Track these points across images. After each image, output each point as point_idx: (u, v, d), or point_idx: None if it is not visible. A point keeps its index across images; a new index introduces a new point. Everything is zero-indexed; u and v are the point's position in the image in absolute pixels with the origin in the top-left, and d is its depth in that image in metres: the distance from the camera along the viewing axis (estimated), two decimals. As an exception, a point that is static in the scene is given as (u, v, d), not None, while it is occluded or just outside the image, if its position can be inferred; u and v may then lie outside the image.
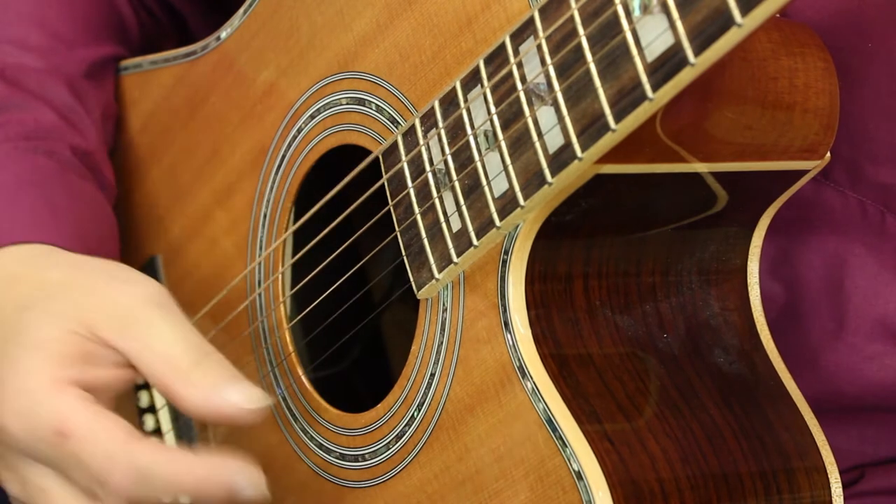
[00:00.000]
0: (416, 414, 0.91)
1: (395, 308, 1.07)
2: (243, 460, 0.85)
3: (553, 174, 0.80)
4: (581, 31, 0.77)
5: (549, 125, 0.80)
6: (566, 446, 0.82)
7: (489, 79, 0.83)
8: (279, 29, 1.01)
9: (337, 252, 0.96)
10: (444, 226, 0.87)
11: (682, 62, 0.72)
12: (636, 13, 0.74)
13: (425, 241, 0.88)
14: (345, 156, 0.97)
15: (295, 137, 1.00)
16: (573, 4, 0.77)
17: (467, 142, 0.85)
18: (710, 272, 0.92)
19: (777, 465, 0.88)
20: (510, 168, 0.82)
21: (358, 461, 0.96)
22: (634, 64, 0.74)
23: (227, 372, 0.87)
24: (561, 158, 0.79)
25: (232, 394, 0.85)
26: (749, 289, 0.93)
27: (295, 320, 1.02)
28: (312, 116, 0.98)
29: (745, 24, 0.69)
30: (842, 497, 0.89)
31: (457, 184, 0.86)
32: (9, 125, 1.07)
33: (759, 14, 0.69)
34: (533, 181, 0.81)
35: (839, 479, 0.89)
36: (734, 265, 0.93)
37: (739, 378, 0.91)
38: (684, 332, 0.90)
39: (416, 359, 0.91)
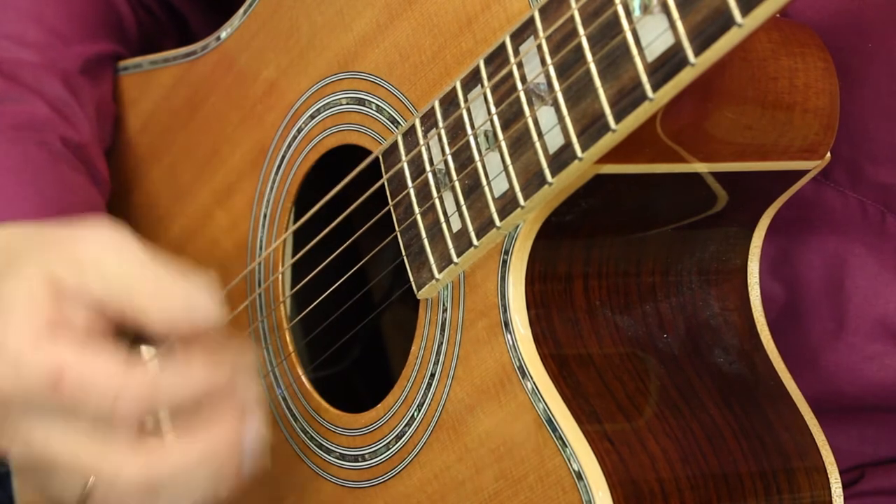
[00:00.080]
0: (416, 414, 0.91)
1: (395, 308, 1.07)
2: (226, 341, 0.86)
3: (553, 174, 0.80)
4: (581, 31, 0.77)
5: (550, 125, 0.80)
6: (566, 446, 0.82)
7: (489, 79, 0.83)
8: (279, 29, 1.00)
9: (337, 252, 0.96)
10: (444, 226, 0.87)
11: (683, 62, 0.72)
12: (636, 13, 0.74)
13: (425, 242, 0.88)
14: (345, 156, 0.97)
15: (295, 137, 1.00)
16: (573, 4, 0.77)
17: (467, 142, 0.85)
18: (710, 272, 0.92)
19: (777, 465, 0.88)
20: (510, 168, 0.82)
21: (358, 461, 0.96)
22: (634, 64, 0.74)
23: (186, 282, 0.86)
24: (561, 158, 0.79)
25: (198, 308, 0.85)
26: (749, 289, 0.93)
27: (295, 320, 1.02)
28: (312, 116, 0.98)
29: (745, 24, 0.69)
30: (842, 497, 0.89)
31: (457, 184, 0.86)
32: (2, 116, 1.08)
33: (760, 14, 0.69)
34: (533, 181, 0.81)
35: (839, 479, 0.89)
36: (734, 265, 0.93)
37: (739, 378, 0.91)
38: (684, 332, 0.90)
39: (415, 359, 0.91)
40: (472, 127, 0.84)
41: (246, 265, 1.05)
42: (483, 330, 0.86)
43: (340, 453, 0.97)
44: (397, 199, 0.90)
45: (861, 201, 0.95)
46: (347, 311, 1.01)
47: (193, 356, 0.85)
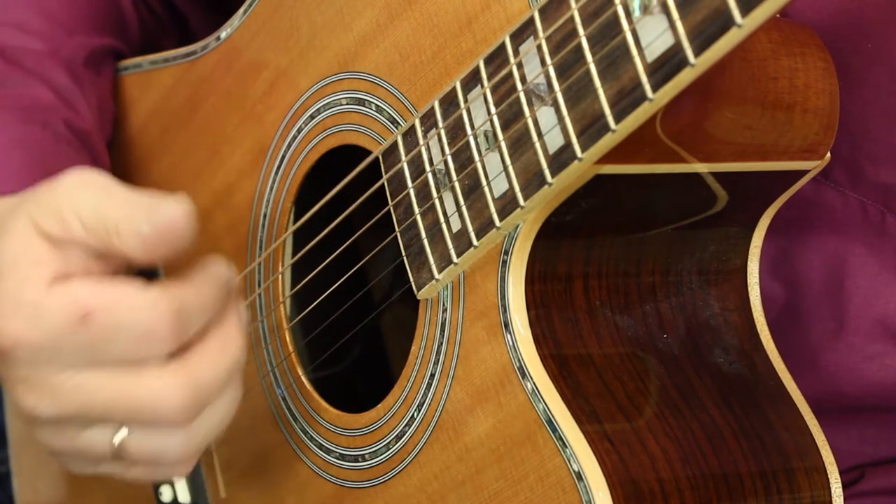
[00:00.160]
0: (416, 414, 0.91)
1: (395, 308, 1.07)
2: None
3: (553, 174, 0.80)
4: (581, 31, 0.77)
5: (549, 125, 0.80)
6: (566, 446, 0.82)
7: (489, 79, 0.83)
8: (279, 29, 1.01)
9: (337, 252, 0.96)
10: (444, 226, 0.87)
11: (682, 62, 0.72)
12: (636, 13, 0.74)
13: (425, 242, 0.88)
14: (345, 156, 0.97)
15: (295, 137, 1.00)
16: (573, 5, 0.77)
17: (467, 142, 0.85)
18: (710, 272, 0.92)
19: (777, 465, 0.88)
20: (510, 168, 0.82)
21: (358, 461, 0.96)
22: (634, 64, 0.74)
23: (153, 198, 0.85)
24: (561, 159, 0.79)
25: (165, 211, 0.84)
26: (749, 289, 0.93)
27: (295, 320, 1.02)
28: (312, 116, 0.98)
29: (745, 25, 0.69)
30: (842, 497, 0.89)
31: (457, 184, 0.86)
32: (5, 99, 1.08)
33: (759, 14, 0.69)
34: (533, 181, 0.81)
35: (839, 479, 0.89)
36: (734, 265, 0.93)
37: (739, 378, 0.91)
38: (684, 332, 0.90)
39: (415, 359, 0.91)
40: (472, 127, 0.84)
41: (246, 265, 1.05)
42: (483, 330, 0.86)
43: (340, 453, 0.98)
44: (397, 199, 0.90)
45: (861, 201, 0.95)
46: (347, 311, 1.01)
47: (191, 274, 0.85)
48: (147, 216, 0.82)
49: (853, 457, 1.04)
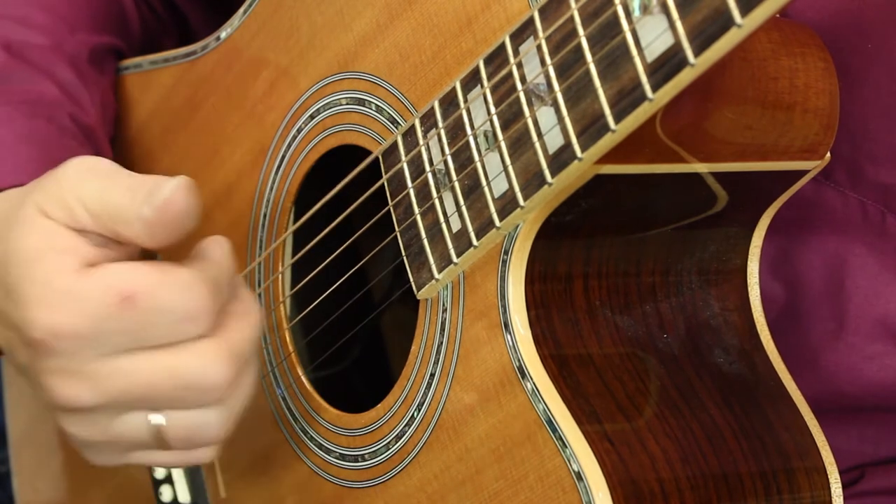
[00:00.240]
0: (415, 414, 0.91)
1: (394, 308, 1.07)
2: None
3: (553, 174, 0.80)
4: (581, 31, 0.77)
5: (549, 125, 0.80)
6: (566, 447, 0.82)
7: (489, 79, 0.83)
8: (279, 29, 1.01)
9: (337, 252, 0.96)
10: (443, 226, 0.87)
11: (682, 62, 0.72)
12: (636, 13, 0.74)
13: (425, 242, 0.88)
14: (345, 156, 0.97)
15: (295, 137, 1.00)
16: (573, 4, 0.77)
17: (467, 142, 0.85)
18: (710, 272, 0.92)
19: (777, 465, 0.88)
20: (510, 168, 0.82)
21: (358, 461, 0.96)
22: (634, 64, 0.74)
23: (155, 180, 0.85)
24: (561, 159, 0.79)
25: (164, 191, 0.83)
26: (749, 289, 0.93)
27: (295, 320, 1.02)
28: (312, 116, 0.98)
29: (745, 25, 0.69)
30: (842, 497, 0.89)
31: (457, 184, 0.86)
32: (11, 94, 1.08)
33: (759, 14, 0.69)
34: (533, 181, 0.81)
35: (839, 479, 0.89)
36: (734, 265, 0.93)
37: (739, 378, 0.91)
38: (684, 332, 0.90)
39: (415, 359, 0.91)
40: (472, 127, 0.84)
41: (246, 265, 1.05)
42: (483, 330, 0.86)
43: (340, 453, 0.98)
44: (397, 199, 0.90)
45: (861, 201, 0.95)
46: (347, 311, 1.01)
47: (202, 250, 0.85)
48: (146, 199, 0.82)
49: (853, 457, 1.04)
